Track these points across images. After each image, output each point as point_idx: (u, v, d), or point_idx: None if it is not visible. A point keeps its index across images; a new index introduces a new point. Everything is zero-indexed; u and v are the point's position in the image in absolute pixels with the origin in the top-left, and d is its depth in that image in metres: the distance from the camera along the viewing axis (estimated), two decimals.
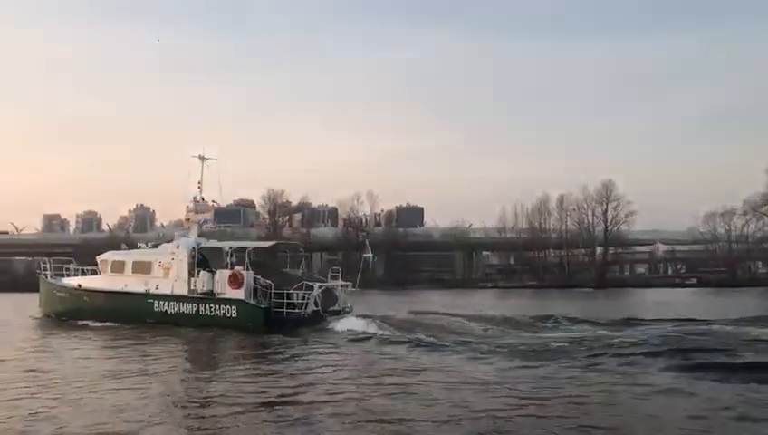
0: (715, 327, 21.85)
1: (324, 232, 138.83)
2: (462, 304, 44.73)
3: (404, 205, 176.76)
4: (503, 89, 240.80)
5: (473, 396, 12.39)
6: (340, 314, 26.82)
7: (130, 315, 28.61)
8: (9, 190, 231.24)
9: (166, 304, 28.51)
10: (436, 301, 54.25)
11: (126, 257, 31.78)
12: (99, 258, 33.07)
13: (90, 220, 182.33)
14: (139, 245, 34.06)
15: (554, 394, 12.39)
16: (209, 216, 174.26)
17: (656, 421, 10.50)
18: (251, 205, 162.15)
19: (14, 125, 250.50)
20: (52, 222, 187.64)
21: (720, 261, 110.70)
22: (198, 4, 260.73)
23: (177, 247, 29.86)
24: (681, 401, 11.79)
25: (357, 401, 11.94)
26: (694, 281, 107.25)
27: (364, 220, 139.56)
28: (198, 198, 32.91)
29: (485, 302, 55.03)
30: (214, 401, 12.11)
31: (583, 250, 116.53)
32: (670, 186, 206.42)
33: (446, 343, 19.52)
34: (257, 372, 15.84)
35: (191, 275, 28.39)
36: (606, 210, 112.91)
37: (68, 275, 34.14)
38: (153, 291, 29.19)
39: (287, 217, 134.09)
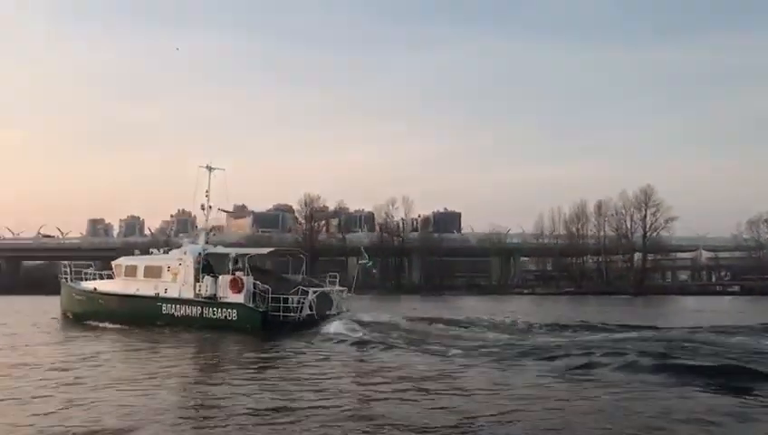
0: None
1: (360, 237, 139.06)
2: (492, 310, 44.36)
3: (441, 210, 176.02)
4: (543, 91, 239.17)
5: (407, 391, 13.24)
6: (335, 317, 27.29)
7: (141, 318, 29.67)
8: (56, 195, 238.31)
9: (173, 307, 29.63)
10: (465, 307, 53.95)
11: (138, 263, 32.92)
12: (113, 263, 34.18)
13: (132, 225, 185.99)
14: (151, 251, 34.99)
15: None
16: (248, 221, 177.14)
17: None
18: (290, 210, 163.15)
19: (60, 133, 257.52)
20: (97, 226, 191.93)
21: (765, 268, 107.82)
22: (239, 13, 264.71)
23: (185, 254, 30.89)
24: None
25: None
26: (736, 289, 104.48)
27: (401, 225, 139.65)
28: (206, 206, 33.16)
29: (519, 308, 54.30)
30: (206, 403, 12.35)
31: (622, 256, 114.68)
32: (715, 191, 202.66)
33: (415, 346, 20.28)
34: (244, 373, 16.46)
35: (197, 279, 29.41)
36: (645, 216, 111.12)
37: (86, 279, 35.59)
38: (162, 295, 30.27)
39: (323, 223, 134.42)
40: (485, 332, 23.82)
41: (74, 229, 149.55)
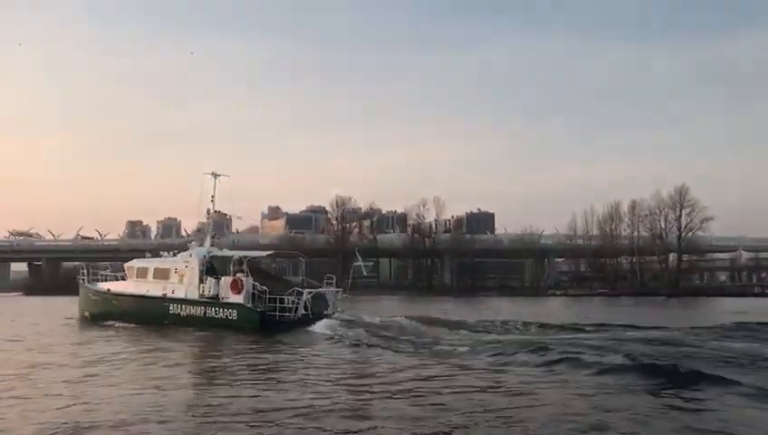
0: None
1: (392, 238, 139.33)
2: (518, 312, 44.20)
3: (474, 211, 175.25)
4: (576, 91, 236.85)
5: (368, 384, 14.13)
6: (329, 317, 28.16)
7: (150, 317, 30.74)
8: (96, 198, 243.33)
9: (179, 307, 30.69)
10: (491, 308, 53.73)
11: (148, 265, 34.11)
12: (126, 265, 35.37)
13: (170, 226, 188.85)
14: (161, 253, 35.96)
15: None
16: (282, 222, 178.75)
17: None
18: (323, 211, 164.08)
19: (100, 136, 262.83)
20: (135, 228, 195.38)
21: None
22: (270, 16, 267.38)
23: (191, 256, 32.01)
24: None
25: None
26: None
27: (434, 226, 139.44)
28: (212, 211, 34.40)
29: (544, 309, 53.70)
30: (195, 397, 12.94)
31: (656, 257, 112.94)
32: (756, 191, 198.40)
33: (398, 344, 21.09)
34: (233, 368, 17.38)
35: (201, 281, 30.46)
36: (680, 216, 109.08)
37: (102, 281, 36.84)
38: (169, 295, 31.40)
39: (355, 224, 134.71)
40: (472, 332, 24.44)
41: (113, 231, 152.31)
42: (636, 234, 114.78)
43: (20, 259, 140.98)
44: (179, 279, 31.45)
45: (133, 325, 30.22)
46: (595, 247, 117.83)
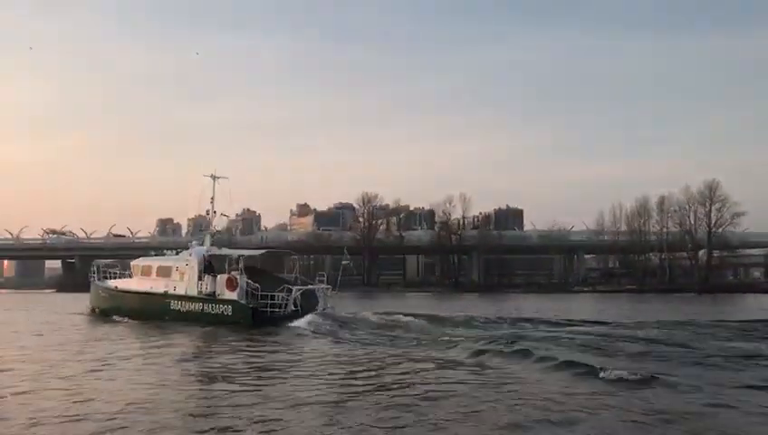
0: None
1: (419, 235, 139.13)
2: (538, 308, 43.99)
3: (503, 207, 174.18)
4: (606, 87, 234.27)
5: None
6: (317, 313, 29.27)
7: (153, 313, 32.10)
8: (128, 196, 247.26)
9: (179, 303, 32.02)
10: (507, 306, 53.32)
11: (152, 263, 35.54)
12: (132, 263, 37.06)
13: (200, 224, 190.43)
14: (164, 252, 37.61)
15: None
16: (310, 219, 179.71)
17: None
18: (351, 209, 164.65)
19: (132, 134, 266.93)
20: (166, 226, 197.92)
21: None
22: (297, 15, 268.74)
23: (191, 255, 33.40)
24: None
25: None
26: None
27: (462, 223, 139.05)
28: (211, 211, 36.05)
29: (567, 306, 53.11)
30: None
31: (685, 253, 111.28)
32: None
33: (365, 338, 22.44)
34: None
35: (200, 278, 31.76)
36: (709, 211, 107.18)
37: (112, 278, 38.64)
38: (170, 292, 32.69)
39: (381, 220, 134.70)
40: (448, 327, 25.47)
41: (144, 229, 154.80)
42: (665, 230, 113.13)
43: (54, 257, 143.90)
44: (180, 277, 32.68)
45: (137, 321, 31.47)
46: (623, 244, 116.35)
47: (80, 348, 20.42)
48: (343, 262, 35.54)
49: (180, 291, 32.18)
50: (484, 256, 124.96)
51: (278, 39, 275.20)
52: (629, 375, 12.99)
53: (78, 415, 10.48)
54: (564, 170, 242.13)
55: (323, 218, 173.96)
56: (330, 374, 14.79)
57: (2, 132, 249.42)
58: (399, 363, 16.32)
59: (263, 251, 36.87)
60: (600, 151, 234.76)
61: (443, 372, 14.92)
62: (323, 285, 32.07)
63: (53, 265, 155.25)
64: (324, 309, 30.06)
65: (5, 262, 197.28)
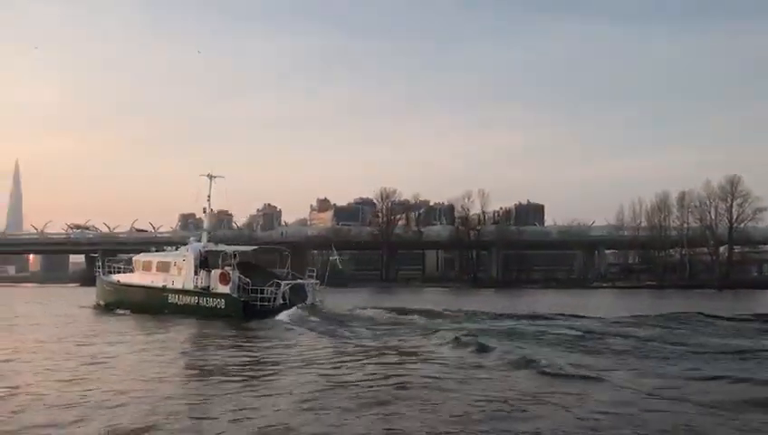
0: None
1: (438, 230, 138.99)
2: (553, 305, 43.89)
3: (524, 202, 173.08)
4: (628, 82, 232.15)
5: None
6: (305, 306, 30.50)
7: (152, 306, 33.56)
8: (150, 191, 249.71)
9: (177, 297, 33.54)
10: (518, 302, 53.19)
11: (152, 258, 37.29)
12: (134, 258, 38.73)
13: (221, 219, 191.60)
14: (165, 248, 39.60)
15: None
16: (330, 214, 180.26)
17: None
18: (371, 204, 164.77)
19: (153, 131, 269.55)
20: (188, 221, 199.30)
21: None
22: (320, 10, 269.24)
23: (188, 251, 34.81)
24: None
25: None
26: None
27: (483, 218, 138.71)
28: (208, 209, 37.63)
29: (586, 302, 52.82)
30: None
31: (706, 249, 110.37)
32: None
33: (342, 330, 23.70)
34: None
35: (196, 273, 33.13)
36: (731, 206, 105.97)
37: (117, 272, 39.92)
38: (169, 286, 34.21)
39: (399, 216, 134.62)
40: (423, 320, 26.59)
41: (166, 224, 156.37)
42: (685, 225, 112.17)
43: (78, 251, 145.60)
44: (178, 272, 34.15)
45: (137, 313, 32.92)
46: (643, 239, 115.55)
47: (64, 339, 21.65)
48: (331, 258, 37.76)
49: (178, 285, 33.69)
50: (503, 252, 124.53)
51: (296, 34, 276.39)
52: (574, 370, 13.45)
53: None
54: (586, 166, 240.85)
55: (343, 213, 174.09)
56: (277, 363, 15.94)
57: (26, 129, 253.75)
58: (350, 354, 17.36)
59: (255, 247, 38.82)
60: (624, 146, 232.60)
61: (381, 360, 16.08)
62: (312, 280, 33.55)
63: (77, 259, 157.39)
64: (313, 303, 31.26)
65: (31, 256, 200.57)
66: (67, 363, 15.79)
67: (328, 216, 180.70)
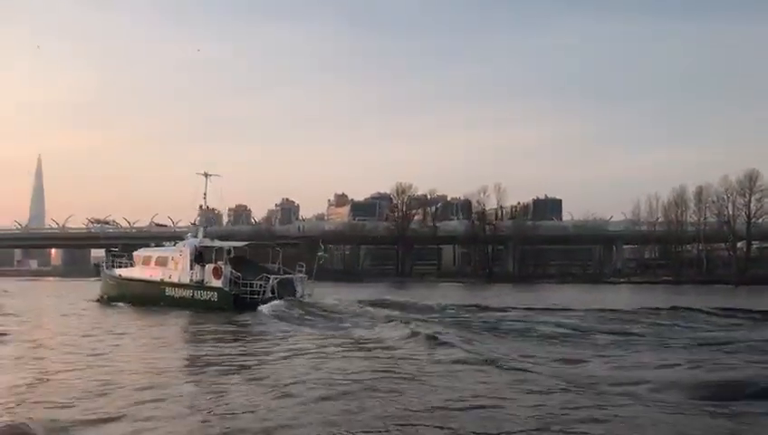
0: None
1: (454, 225, 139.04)
2: (563, 300, 44.05)
3: (542, 197, 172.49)
4: (648, 75, 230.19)
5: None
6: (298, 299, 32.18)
7: (151, 299, 35.07)
8: (170, 186, 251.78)
9: (173, 290, 35.15)
10: (526, 297, 53.12)
11: (152, 253, 38.97)
12: (134, 254, 40.33)
13: (240, 214, 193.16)
14: (163, 244, 40.93)
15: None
16: (347, 209, 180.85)
17: None
18: (388, 199, 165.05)
19: (172, 126, 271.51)
20: (208, 215, 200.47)
21: None
22: (338, 5, 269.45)
23: (184, 246, 36.45)
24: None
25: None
26: None
27: (501, 213, 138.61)
28: (204, 206, 39.53)
29: (610, 297, 52.71)
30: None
31: (723, 244, 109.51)
32: None
33: (314, 322, 25.07)
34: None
35: (191, 268, 34.65)
36: (749, 201, 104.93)
37: (119, 266, 41.84)
38: (166, 280, 35.74)
39: (415, 211, 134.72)
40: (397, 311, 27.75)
41: (185, 219, 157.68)
42: (702, 220, 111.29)
43: (98, 246, 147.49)
44: (175, 266, 35.62)
45: (137, 306, 34.34)
46: (660, 234, 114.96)
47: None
48: (318, 254, 39.32)
49: (174, 279, 35.15)
50: (519, 247, 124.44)
51: (312, 31, 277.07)
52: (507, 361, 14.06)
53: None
54: (605, 160, 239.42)
55: (360, 208, 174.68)
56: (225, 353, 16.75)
57: (49, 125, 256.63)
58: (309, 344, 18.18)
59: (248, 243, 40.42)
60: (643, 141, 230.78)
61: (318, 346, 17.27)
62: (301, 275, 34.67)
63: (98, 253, 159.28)
64: (301, 296, 32.57)
65: (53, 251, 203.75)
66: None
67: (345, 211, 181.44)
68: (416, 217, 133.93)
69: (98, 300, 40.11)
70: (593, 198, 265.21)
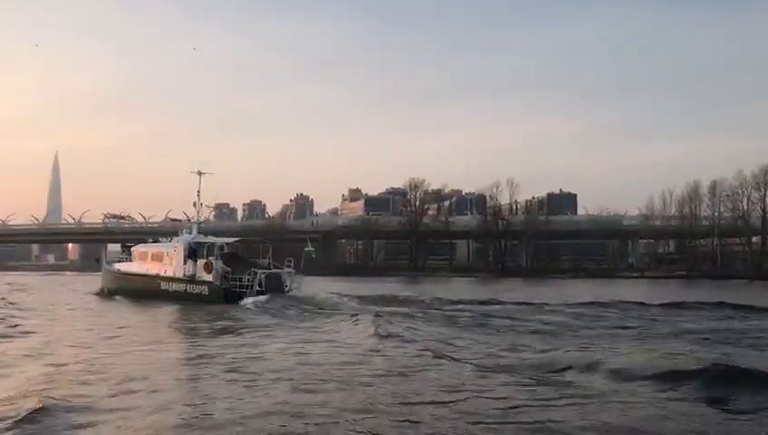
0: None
1: (467, 220, 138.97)
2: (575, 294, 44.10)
3: (556, 191, 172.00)
4: (666, 68, 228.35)
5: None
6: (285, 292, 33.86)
7: (147, 292, 36.49)
8: (185, 182, 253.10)
9: (168, 284, 36.60)
10: (532, 292, 53.11)
11: (148, 249, 40.75)
12: (133, 249, 42.14)
13: (255, 208, 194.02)
14: (160, 239, 42.84)
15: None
16: (361, 204, 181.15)
17: None
18: (403, 193, 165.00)
19: (188, 122, 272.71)
20: (223, 210, 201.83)
21: None
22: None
23: (179, 242, 37.96)
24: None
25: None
26: None
27: (516, 208, 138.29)
28: (197, 204, 40.82)
29: (624, 291, 52.65)
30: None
31: (738, 239, 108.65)
32: None
33: (289, 312, 27.05)
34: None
35: (185, 263, 36.01)
36: (764, 196, 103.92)
37: (118, 261, 43.96)
38: (161, 274, 37.22)
39: (428, 206, 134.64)
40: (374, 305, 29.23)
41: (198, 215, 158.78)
42: (717, 215, 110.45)
43: (113, 240, 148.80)
44: (170, 261, 37.10)
45: (134, 299, 35.57)
46: (674, 229, 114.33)
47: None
48: (305, 250, 40.67)
49: (169, 274, 36.63)
50: (532, 242, 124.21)
51: (327, 24, 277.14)
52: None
53: None
54: (622, 154, 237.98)
55: (373, 203, 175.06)
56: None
57: (65, 121, 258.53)
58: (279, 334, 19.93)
59: (239, 239, 42.41)
60: (659, 135, 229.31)
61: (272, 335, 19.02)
62: (288, 269, 36.00)
63: (114, 248, 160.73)
64: (289, 290, 34.01)
65: (70, 246, 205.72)
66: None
67: (359, 205, 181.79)
68: (429, 212, 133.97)
69: (98, 293, 41.73)
70: (610, 193, 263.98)
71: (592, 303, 30.50)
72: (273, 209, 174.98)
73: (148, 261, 39.01)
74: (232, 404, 9.71)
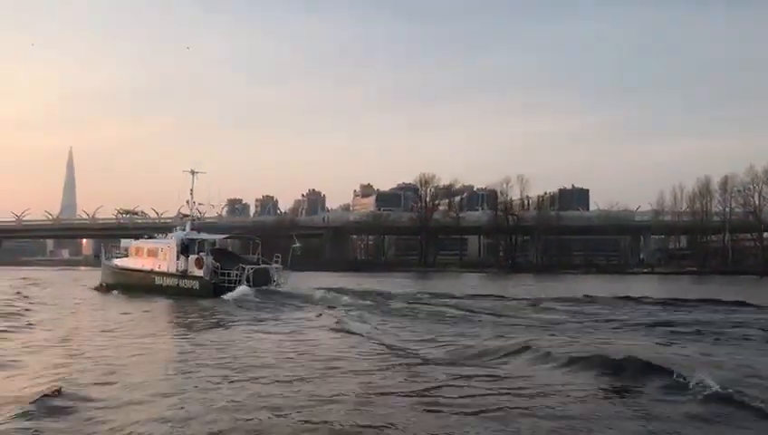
0: None
1: (477, 215, 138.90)
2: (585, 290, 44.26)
3: (568, 187, 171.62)
4: (676, 65, 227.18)
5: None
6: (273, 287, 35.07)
7: (142, 287, 37.55)
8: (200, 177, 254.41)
9: (161, 279, 37.81)
10: (538, 287, 53.14)
11: (144, 245, 41.92)
12: (130, 245, 43.50)
13: (267, 204, 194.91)
14: (155, 235, 44.28)
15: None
16: (371, 200, 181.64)
17: None
18: (414, 189, 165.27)
19: (202, 117, 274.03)
20: (235, 206, 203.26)
21: None
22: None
23: (172, 238, 39.17)
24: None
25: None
26: None
27: (527, 203, 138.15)
28: (191, 203, 42.31)
29: (636, 286, 52.71)
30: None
31: (749, 235, 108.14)
32: None
33: (267, 306, 27.94)
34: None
35: (177, 259, 37.19)
36: None
37: (117, 257, 45.11)
38: (155, 269, 38.42)
39: (438, 202, 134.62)
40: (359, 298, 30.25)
41: (210, 210, 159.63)
42: (728, 210, 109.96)
43: (126, 236, 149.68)
44: (164, 257, 38.24)
45: (130, 294, 36.39)
46: (684, 224, 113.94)
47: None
48: (292, 246, 41.52)
49: (163, 269, 37.72)
50: (542, 237, 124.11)
51: (341, 17, 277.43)
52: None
53: None
54: (634, 150, 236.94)
55: (385, 199, 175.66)
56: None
57: (79, 117, 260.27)
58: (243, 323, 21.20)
59: (229, 235, 44.25)
60: (671, 131, 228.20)
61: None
62: (276, 265, 36.97)
63: (128, 243, 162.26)
64: (276, 285, 35.10)
65: (84, 241, 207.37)
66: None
67: (370, 201, 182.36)
68: (440, 208, 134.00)
69: (97, 288, 42.57)
70: (622, 189, 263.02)
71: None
72: (285, 205, 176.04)
73: (144, 257, 40.24)
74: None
